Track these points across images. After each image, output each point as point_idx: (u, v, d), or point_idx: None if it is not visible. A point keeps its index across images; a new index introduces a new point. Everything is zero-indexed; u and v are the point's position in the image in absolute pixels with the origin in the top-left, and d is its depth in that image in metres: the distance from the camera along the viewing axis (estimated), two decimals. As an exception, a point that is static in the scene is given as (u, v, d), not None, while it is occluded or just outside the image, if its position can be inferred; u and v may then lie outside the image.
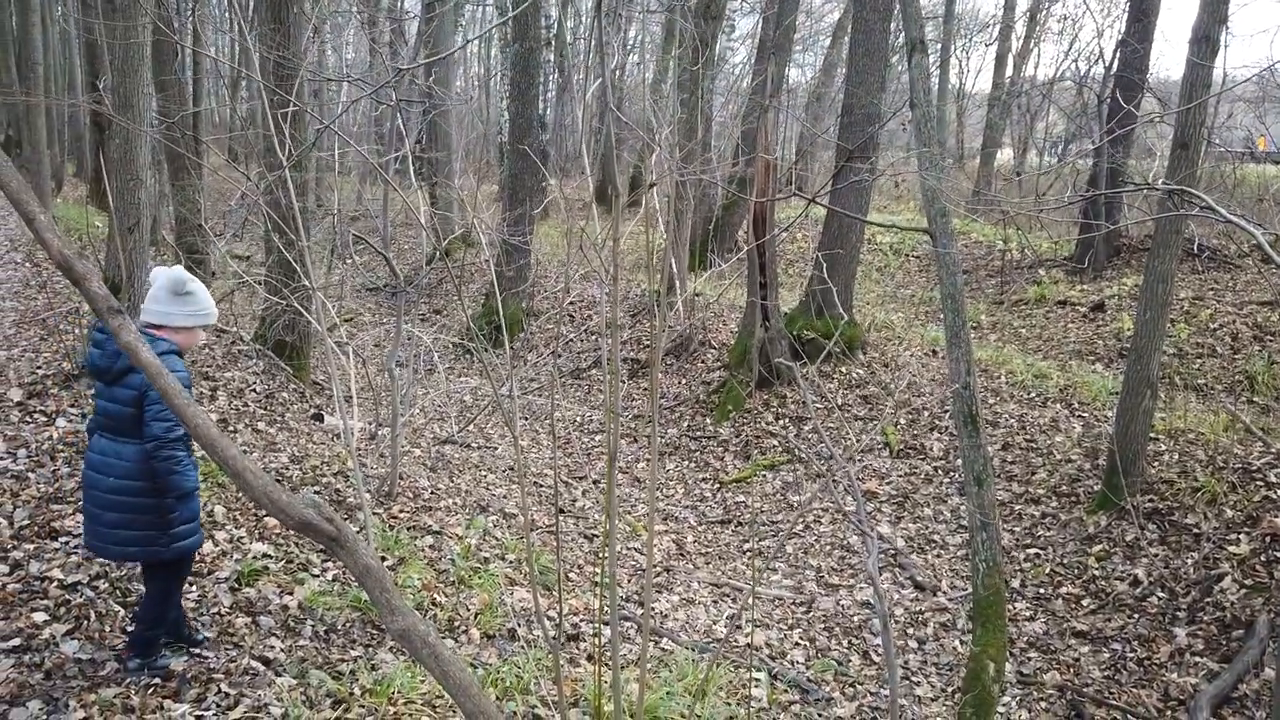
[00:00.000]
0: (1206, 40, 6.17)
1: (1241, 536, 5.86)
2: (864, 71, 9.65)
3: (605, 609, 4.17)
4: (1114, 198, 13.17)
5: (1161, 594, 5.74)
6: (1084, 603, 5.96)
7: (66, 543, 4.33)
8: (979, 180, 21.62)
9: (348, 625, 4.42)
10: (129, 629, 3.80)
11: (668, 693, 4.11)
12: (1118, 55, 14.35)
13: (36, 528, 4.40)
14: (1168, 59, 68.21)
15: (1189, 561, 5.88)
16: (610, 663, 2.91)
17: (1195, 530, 6.09)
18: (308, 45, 8.14)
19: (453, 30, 18.27)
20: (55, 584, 4.00)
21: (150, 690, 3.47)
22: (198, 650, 3.83)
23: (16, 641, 3.56)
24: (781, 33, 12.76)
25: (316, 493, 5.88)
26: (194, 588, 4.36)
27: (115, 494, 3.38)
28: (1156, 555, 6.05)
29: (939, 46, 23.53)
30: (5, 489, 4.70)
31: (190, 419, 2.29)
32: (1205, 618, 5.42)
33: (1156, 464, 6.85)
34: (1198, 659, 5.15)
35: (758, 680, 4.92)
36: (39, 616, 3.74)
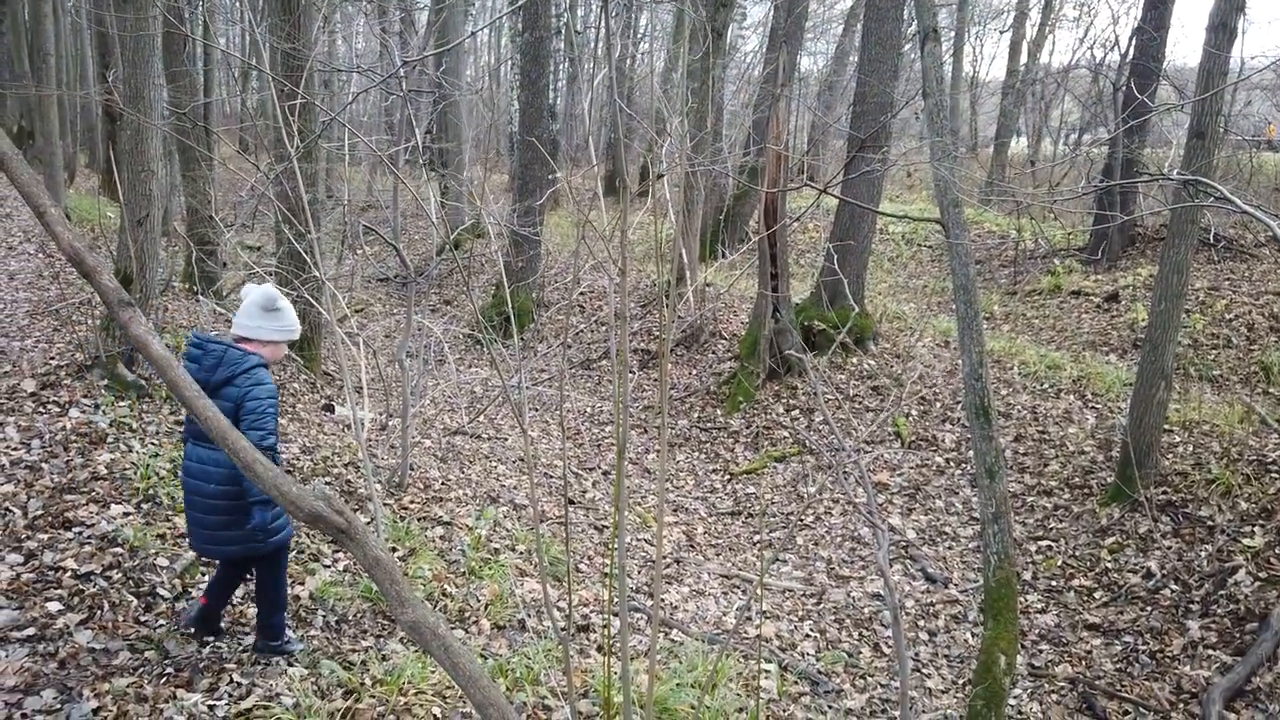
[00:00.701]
0: (1224, 27, 6.10)
1: (1256, 529, 5.82)
2: (876, 60, 9.58)
3: (615, 600, 4.16)
4: (1129, 187, 13.07)
5: (1175, 587, 5.71)
6: (1096, 595, 5.93)
7: (80, 533, 4.36)
8: (992, 169, 21.48)
9: (358, 616, 4.44)
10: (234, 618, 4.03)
11: (677, 684, 4.11)
12: (1133, 42, 14.22)
13: (50, 518, 4.43)
14: (1184, 46, 67.73)
15: (1202, 554, 5.84)
16: (620, 654, 2.91)
17: (1209, 523, 6.06)
18: (317, 35, 8.13)
19: (462, 20, 18.24)
20: (69, 574, 4.03)
21: (163, 680, 3.50)
22: (211, 640, 3.85)
23: (31, 631, 3.59)
24: (793, 21, 12.70)
25: (327, 484, 5.90)
26: (206, 578, 4.38)
27: (218, 499, 3.54)
28: (1170, 548, 6.01)
29: (953, 34, 23.38)
30: (19, 479, 4.73)
31: (201, 411, 2.29)
32: (1219, 610, 5.39)
33: (1170, 456, 6.80)
34: (1211, 652, 5.12)
35: (767, 672, 4.92)
36: (53, 606, 3.77)
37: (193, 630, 3.86)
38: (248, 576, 4.02)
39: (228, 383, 3.47)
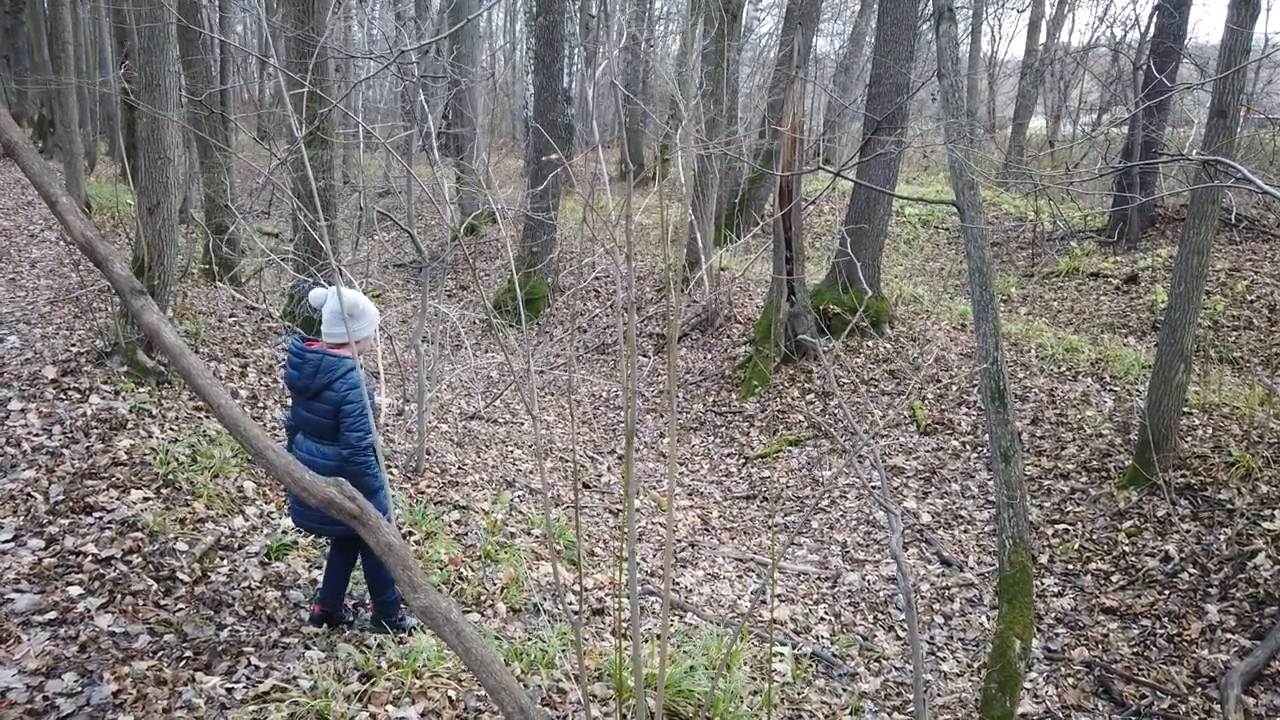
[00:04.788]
0: (1246, 3, 5.99)
1: (1276, 512, 5.77)
2: (892, 41, 9.49)
3: (626, 583, 4.17)
4: (1149, 168, 12.90)
5: (1193, 570, 5.67)
6: (1113, 579, 5.90)
7: (100, 518, 4.41)
8: (1010, 150, 21.25)
9: (354, 601, 4.47)
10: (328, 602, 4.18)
11: (691, 666, 4.12)
12: (1154, 20, 14.01)
13: (71, 503, 4.49)
14: (1205, 24, 66.59)
15: (1221, 537, 5.80)
16: (631, 636, 2.93)
17: (1228, 506, 6.01)
18: (331, 22, 8.13)
19: (477, 5, 18.19)
20: (90, 558, 4.08)
21: (182, 663, 3.54)
22: (230, 624, 3.90)
23: (52, 615, 3.64)
24: (809, 1, 12.58)
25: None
26: (225, 562, 4.43)
27: None
28: (1188, 531, 5.97)
29: (970, 13, 23.09)
30: (40, 465, 4.80)
31: (213, 399, 2.31)
32: (1237, 594, 5.35)
33: (1189, 439, 6.74)
34: (1229, 636, 5.09)
35: (781, 655, 4.93)
36: (74, 590, 3.82)
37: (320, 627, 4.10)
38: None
39: (326, 388, 3.73)
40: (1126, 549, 6.09)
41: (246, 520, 4.88)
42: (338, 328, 3.80)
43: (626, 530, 2.58)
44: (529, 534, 5.86)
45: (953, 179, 4.64)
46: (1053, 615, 5.68)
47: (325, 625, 4.09)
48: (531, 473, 7.25)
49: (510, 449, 7.87)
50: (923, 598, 5.99)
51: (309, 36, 7.34)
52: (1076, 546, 6.29)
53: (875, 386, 9.07)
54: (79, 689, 3.25)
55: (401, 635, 4.10)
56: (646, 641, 4.65)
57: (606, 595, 5.31)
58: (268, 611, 4.13)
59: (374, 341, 4.11)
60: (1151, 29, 14.34)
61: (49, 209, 2.16)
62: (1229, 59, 6.12)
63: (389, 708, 3.46)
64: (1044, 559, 6.26)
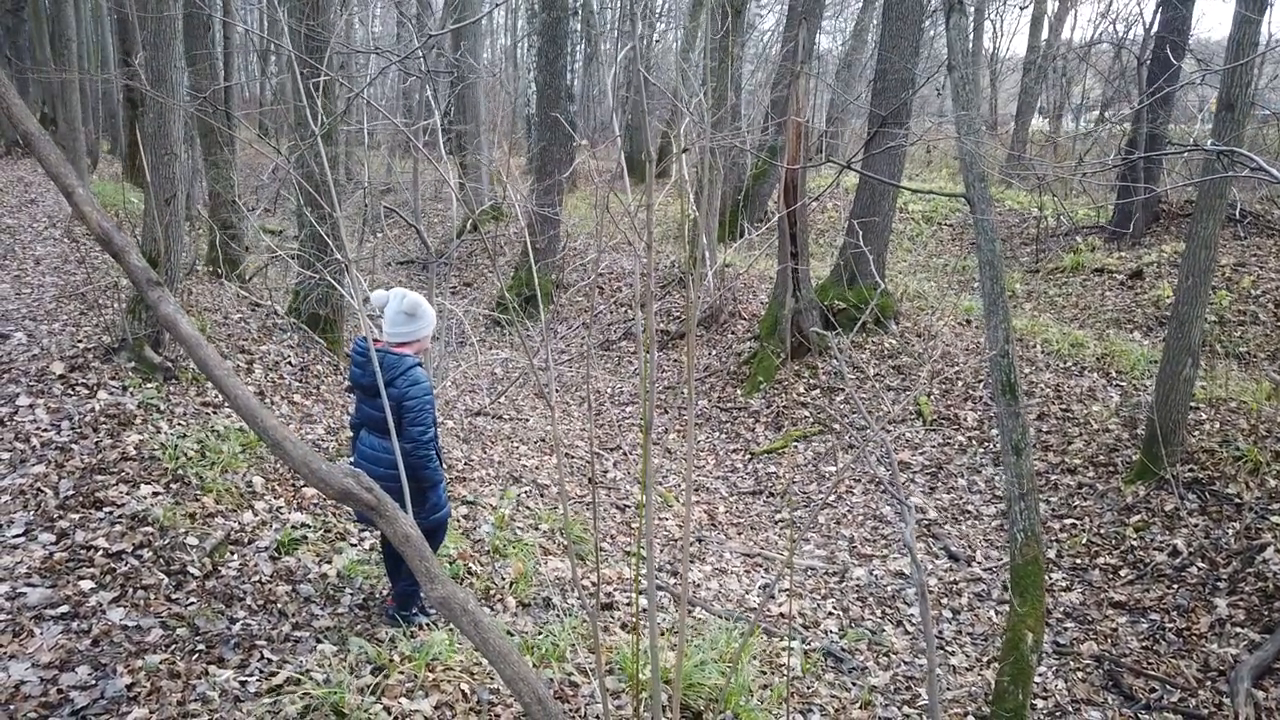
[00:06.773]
0: (1255, -3, 5.98)
1: (1285, 506, 5.77)
2: (897, 36, 9.48)
3: (641, 578, 4.17)
4: (1154, 162, 12.88)
5: (1201, 564, 5.67)
6: (1122, 573, 5.90)
7: (110, 512, 4.41)
8: (1013, 146, 21.22)
9: (386, 593, 4.47)
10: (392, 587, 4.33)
11: (701, 661, 4.12)
12: (1158, 16, 13.98)
13: (81, 498, 4.49)
14: (1209, 19, 66.46)
15: (1230, 531, 5.79)
16: (647, 631, 2.92)
17: (1236, 500, 6.00)
18: (336, 17, 8.12)
19: (480, 3, 18.19)
20: (101, 553, 4.08)
21: (195, 656, 3.54)
22: (247, 620, 3.90)
23: (65, 609, 3.64)
24: (812, -3, 12.55)
25: (352, 463, 5.94)
26: (235, 556, 4.44)
27: (384, 480, 3.71)
28: (1196, 525, 5.97)
29: (973, 9, 23.06)
30: (50, 460, 4.79)
31: (230, 390, 2.31)
32: (1246, 588, 5.35)
33: (1197, 433, 6.74)
34: (1238, 629, 5.09)
35: (791, 649, 4.93)
36: (85, 584, 3.82)
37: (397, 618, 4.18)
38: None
39: (389, 384, 3.77)
40: (1134, 543, 6.08)
41: (256, 515, 4.88)
42: (400, 328, 3.92)
43: (644, 524, 2.58)
44: (536, 529, 5.86)
45: (963, 171, 4.63)
46: (1061, 610, 5.68)
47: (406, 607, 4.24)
48: (538, 469, 7.25)
49: (516, 445, 7.87)
50: (931, 592, 5.99)
51: (315, 33, 7.33)
52: (1084, 541, 6.29)
53: (881, 382, 9.06)
54: (93, 682, 3.26)
55: (412, 629, 4.11)
56: (660, 635, 4.66)
57: (615, 590, 5.31)
58: (279, 605, 4.13)
59: (430, 341, 4.21)
60: (1155, 24, 14.32)
61: (65, 200, 2.16)
62: (1236, 51, 6.11)
63: (403, 700, 3.46)
64: (1052, 554, 6.26)
